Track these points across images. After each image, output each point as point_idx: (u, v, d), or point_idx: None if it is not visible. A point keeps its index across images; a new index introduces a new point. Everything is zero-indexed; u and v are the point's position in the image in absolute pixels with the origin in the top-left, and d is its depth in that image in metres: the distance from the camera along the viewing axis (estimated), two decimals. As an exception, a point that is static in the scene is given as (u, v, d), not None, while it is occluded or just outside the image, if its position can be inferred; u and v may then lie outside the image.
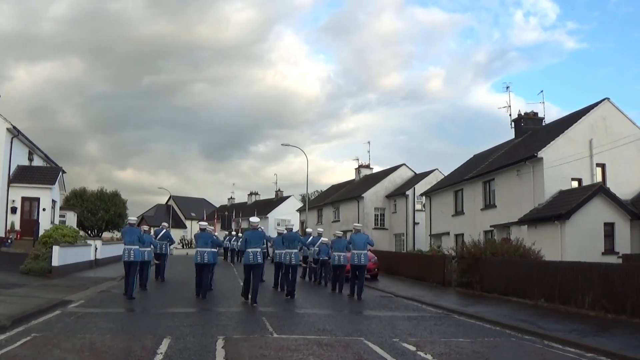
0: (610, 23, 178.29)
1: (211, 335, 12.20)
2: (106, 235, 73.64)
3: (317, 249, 28.26)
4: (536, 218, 31.05)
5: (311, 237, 29.66)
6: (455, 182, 44.88)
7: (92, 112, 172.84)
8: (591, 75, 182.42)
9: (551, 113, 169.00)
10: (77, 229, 36.98)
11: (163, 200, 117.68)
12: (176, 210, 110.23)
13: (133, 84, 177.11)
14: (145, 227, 25.90)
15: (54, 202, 42.71)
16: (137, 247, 20.40)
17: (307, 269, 30.40)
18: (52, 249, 27.07)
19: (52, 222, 39.30)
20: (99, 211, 72.70)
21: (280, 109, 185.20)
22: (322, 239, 28.65)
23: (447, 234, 45.28)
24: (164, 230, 27.80)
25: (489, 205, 39.22)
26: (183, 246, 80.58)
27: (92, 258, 34.42)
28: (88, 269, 31.71)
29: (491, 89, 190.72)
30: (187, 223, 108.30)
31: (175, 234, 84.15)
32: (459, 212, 44.10)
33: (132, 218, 22.89)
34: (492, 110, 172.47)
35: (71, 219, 49.28)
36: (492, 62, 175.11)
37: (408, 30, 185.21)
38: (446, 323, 15.72)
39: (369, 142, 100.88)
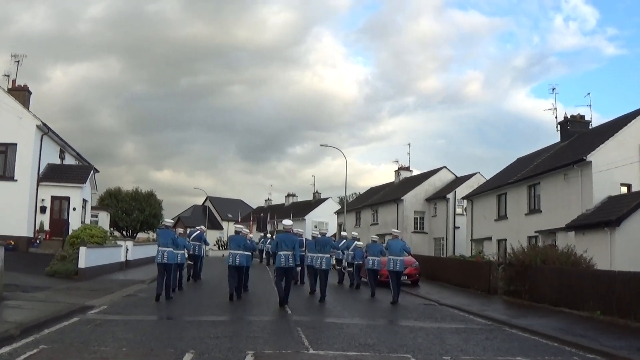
0: None
1: (239, 350, 10.89)
2: (141, 235, 73.54)
3: (352, 252, 28.21)
4: (584, 224, 29.41)
5: (344, 241, 30.09)
6: (498, 185, 43.30)
7: (129, 112, 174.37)
8: (631, 82, 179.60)
9: (591, 119, 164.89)
10: (106, 229, 35.86)
11: (200, 201, 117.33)
12: (212, 211, 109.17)
13: (170, 85, 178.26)
14: (180, 230, 25.19)
15: (84, 201, 41.70)
16: (171, 249, 20.21)
17: (340, 273, 30.28)
18: (79, 250, 26.08)
19: (83, 222, 38.18)
20: (133, 211, 72.76)
21: (318, 111, 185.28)
22: (356, 242, 28.95)
23: (489, 239, 43.80)
24: (197, 231, 27.98)
25: (533, 210, 37.65)
26: (219, 247, 79.56)
27: (123, 259, 33.41)
28: (118, 271, 30.76)
29: (530, 93, 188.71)
30: (224, 224, 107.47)
31: (212, 235, 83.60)
32: (501, 216, 42.51)
33: (168, 220, 23.09)
34: (531, 115, 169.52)
35: (104, 219, 48.39)
36: (531, 66, 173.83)
37: (446, 33, 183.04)
38: (498, 337, 14.21)
39: (409, 144, 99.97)
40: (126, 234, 72.09)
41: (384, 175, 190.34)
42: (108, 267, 29.49)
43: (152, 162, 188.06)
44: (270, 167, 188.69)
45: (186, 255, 24.72)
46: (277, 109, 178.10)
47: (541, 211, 36.13)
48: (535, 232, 35.74)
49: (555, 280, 21.02)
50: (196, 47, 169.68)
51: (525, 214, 38.30)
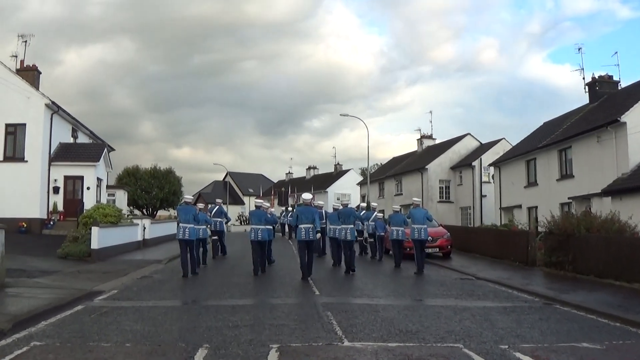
0: None
1: (261, 343, 9.38)
2: (162, 213, 73.08)
3: (373, 223, 27.66)
4: (622, 189, 27.85)
5: (364, 212, 29.78)
6: (527, 151, 41.65)
7: (145, 92, 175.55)
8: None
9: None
10: (121, 208, 34.50)
11: (220, 177, 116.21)
12: (233, 187, 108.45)
13: (184, 64, 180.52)
14: (201, 205, 24.74)
15: (99, 180, 40.49)
16: (192, 225, 20.37)
17: (363, 245, 29.62)
18: (91, 230, 24.93)
19: (98, 202, 36.90)
20: (153, 189, 71.56)
21: (333, 83, 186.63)
22: (376, 213, 28.82)
23: (519, 206, 42.30)
24: (217, 206, 27.69)
25: (565, 175, 36.15)
26: (241, 223, 78.18)
27: (140, 239, 32.39)
28: (134, 251, 29.64)
29: (547, 59, 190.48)
30: (245, 199, 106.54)
31: (233, 210, 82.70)
32: (531, 183, 40.99)
33: (188, 196, 23.44)
34: (548, 81, 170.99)
35: (121, 197, 47.19)
36: (546, 32, 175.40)
37: (458, 0, 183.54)
38: (552, 317, 12.59)
39: (430, 112, 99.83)
40: (146, 212, 71.46)
41: (403, 145, 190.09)
42: (123, 247, 28.45)
43: (170, 140, 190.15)
44: (288, 141, 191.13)
45: (209, 232, 25.06)
46: (292, 83, 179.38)
47: (573, 176, 34.70)
48: (569, 198, 34.13)
49: (602, 250, 19.25)
50: (207, 25, 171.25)
51: (557, 180, 36.81)
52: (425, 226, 22.46)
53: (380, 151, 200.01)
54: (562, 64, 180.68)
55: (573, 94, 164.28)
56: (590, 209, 29.33)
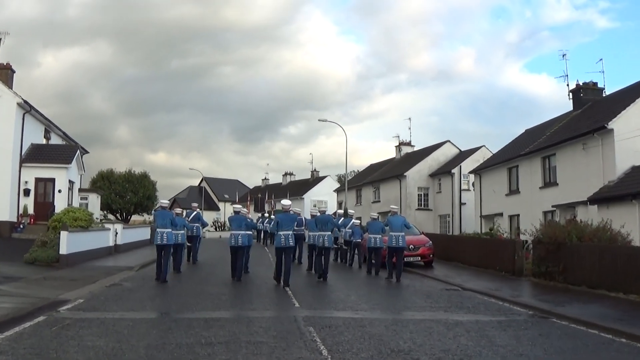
0: None
1: (236, 366, 8.35)
2: (136, 218, 72.43)
3: (350, 230, 27.78)
4: (609, 197, 27.08)
5: (342, 219, 29.28)
6: (509, 158, 40.87)
7: (122, 96, 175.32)
8: (623, 55, 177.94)
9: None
10: (93, 212, 33.47)
11: (196, 182, 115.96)
12: (209, 192, 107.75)
13: (161, 68, 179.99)
14: (178, 210, 24.66)
15: (71, 182, 39.36)
16: (170, 230, 20.39)
17: (339, 251, 29.92)
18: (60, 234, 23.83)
19: (70, 205, 35.83)
20: (127, 193, 70.99)
21: (310, 90, 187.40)
22: (353, 220, 29.01)
23: (500, 214, 41.44)
24: (195, 212, 27.52)
25: (549, 183, 35.40)
26: (216, 229, 77.12)
27: (111, 244, 31.33)
28: (106, 257, 28.61)
29: (523, 68, 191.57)
30: (220, 205, 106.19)
31: (208, 216, 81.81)
32: (513, 191, 40.27)
33: (164, 201, 23.16)
34: (525, 90, 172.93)
35: (94, 201, 46.27)
36: (523, 41, 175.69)
37: (436, 9, 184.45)
38: (553, 333, 11.64)
39: (409, 119, 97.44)
40: (120, 216, 70.82)
41: (380, 152, 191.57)
42: (94, 253, 27.41)
43: (146, 144, 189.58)
44: (264, 148, 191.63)
45: (185, 237, 24.65)
46: (269, 89, 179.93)
47: (557, 184, 33.94)
48: (553, 206, 33.43)
49: (596, 260, 18.44)
50: (186, 29, 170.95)
51: (540, 188, 36.10)
52: (403, 234, 22.38)
53: (356, 158, 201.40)
54: (539, 74, 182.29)
55: (550, 103, 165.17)
56: (575, 217, 28.74)
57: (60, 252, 23.47)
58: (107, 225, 32.42)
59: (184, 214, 26.50)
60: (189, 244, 26.28)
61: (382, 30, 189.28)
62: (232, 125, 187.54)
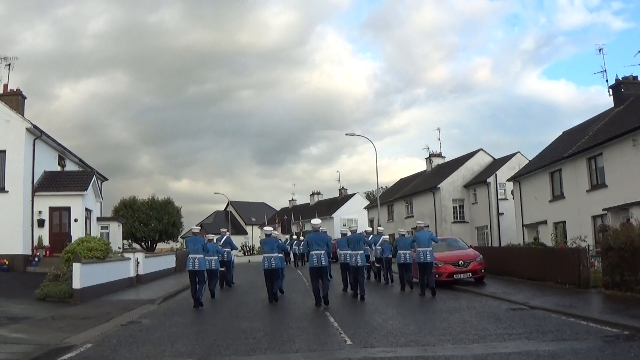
0: None
1: None
2: (162, 246, 70.99)
3: (380, 247, 27.60)
4: (670, 194, 24.66)
5: (371, 236, 28.88)
6: (550, 162, 38.33)
7: (141, 124, 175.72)
8: (635, 59, 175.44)
9: (605, 97, 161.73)
10: (108, 241, 30.99)
11: (221, 207, 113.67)
12: (235, 216, 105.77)
13: (179, 95, 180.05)
14: (210, 236, 24.82)
15: (88, 211, 37.12)
16: (202, 255, 20.29)
17: (371, 270, 29.52)
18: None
19: (88, 234, 33.56)
20: (151, 221, 69.13)
21: (329, 109, 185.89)
22: (383, 237, 28.50)
23: (544, 222, 38.91)
24: (225, 236, 27.84)
25: (596, 185, 32.81)
26: (245, 253, 74.59)
27: (132, 275, 29.19)
28: (126, 289, 26.55)
29: (542, 75, 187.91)
30: (248, 229, 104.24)
31: (236, 240, 79.25)
32: (557, 196, 37.64)
33: (196, 227, 22.72)
34: (544, 98, 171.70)
35: (115, 230, 43.88)
36: (539, 48, 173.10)
37: (449, 21, 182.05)
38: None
39: (438, 129, 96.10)
40: (145, 245, 69.39)
41: (403, 169, 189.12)
42: (113, 286, 25.31)
43: (169, 172, 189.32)
44: (286, 170, 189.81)
45: (219, 262, 24.63)
46: (288, 111, 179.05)
47: (607, 185, 31.38)
48: (603, 209, 30.93)
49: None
50: (200, 55, 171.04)
51: (587, 191, 33.53)
52: (431, 248, 22.09)
53: (380, 175, 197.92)
54: (558, 80, 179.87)
55: (571, 109, 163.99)
56: (629, 220, 26.21)
57: (74, 287, 21.29)
58: (127, 255, 30.29)
59: (215, 239, 25.76)
60: (222, 269, 25.64)
61: (397, 46, 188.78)
62: (253, 149, 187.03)
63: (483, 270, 24.83)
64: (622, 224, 21.87)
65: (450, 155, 66.49)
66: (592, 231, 31.56)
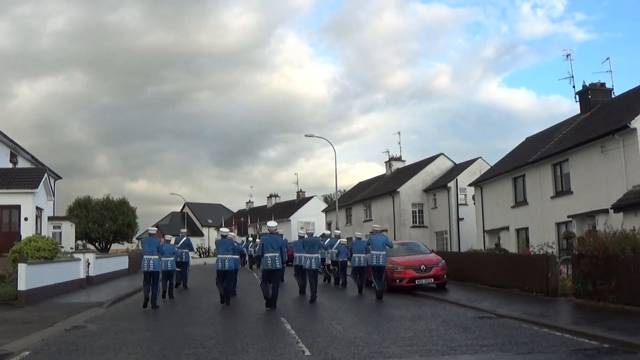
0: (619, 12, 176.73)
1: None
2: (117, 247, 70.22)
3: (337, 250, 28.21)
4: (636, 202, 24.06)
5: (328, 240, 29.89)
6: (514, 167, 37.72)
7: (99, 125, 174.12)
8: (603, 67, 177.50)
9: (564, 106, 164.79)
10: (57, 241, 29.82)
11: (178, 208, 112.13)
12: (192, 218, 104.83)
13: (137, 95, 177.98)
14: (168, 237, 24.81)
15: (39, 210, 35.73)
16: (157, 256, 20.25)
17: (326, 272, 30.14)
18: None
19: (38, 234, 32.31)
20: (106, 221, 68.28)
21: (288, 113, 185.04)
22: (340, 240, 29.35)
23: (506, 228, 38.36)
24: (184, 237, 28.15)
25: (561, 191, 32.27)
26: (200, 255, 73.42)
27: (82, 276, 28.13)
28: (75, 291, 25.59)
29: (502, 83, 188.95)
30: (204, 230, 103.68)
31: (192, 242, 78.37)
32: (520, 202, 37.10)
33: (152, 228, 22.81)
34: (504, 106, 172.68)
35: (68, 230, 42.69)
36: (501, 56, 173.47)
37: (410, 27, 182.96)
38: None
39: (399, 133, 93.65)
40: (99, 245, 68.56)
41: (360, 174, 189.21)
42: (61, 287, 24.34)
43: (126, 173, 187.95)
44: (244, 172, 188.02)
45: (175, 263, 23.75)
46: (246, 113, 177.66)
47: (572, 192, 30.83)
48: (568, 216, 30.24)
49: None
50: (159, 55, 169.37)
51: (551, 197, 32.98)
52: (384, 252, 22.32)
53: (338, 179, 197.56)
54: (518, 88, 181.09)
55: (530, 117, 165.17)
56: (595, 227, 25.69)
57: (19, 288, 20.27)
58: (76, 255, 29.17)
59: (173, 240, 25.38)
60: (178, 269, 25.27)
61: (357, 50, 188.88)
62: (211, 151, 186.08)
63: (446, 276, 24.17)
64: (589, 231, 21.33)
65: (408, 160, 65.63)
66: (556, 238, 31.24)
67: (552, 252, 23.07)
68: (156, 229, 23.24)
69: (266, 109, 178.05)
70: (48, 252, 23.77)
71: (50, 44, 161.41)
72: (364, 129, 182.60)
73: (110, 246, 70.90)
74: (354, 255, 24.60)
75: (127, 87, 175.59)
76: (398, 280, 23.21)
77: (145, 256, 20.07)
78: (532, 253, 23.80)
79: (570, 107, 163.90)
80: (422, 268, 23.35)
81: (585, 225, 28.41)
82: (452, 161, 59.07)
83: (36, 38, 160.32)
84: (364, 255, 23.70)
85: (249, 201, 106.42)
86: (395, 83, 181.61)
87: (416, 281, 23.25)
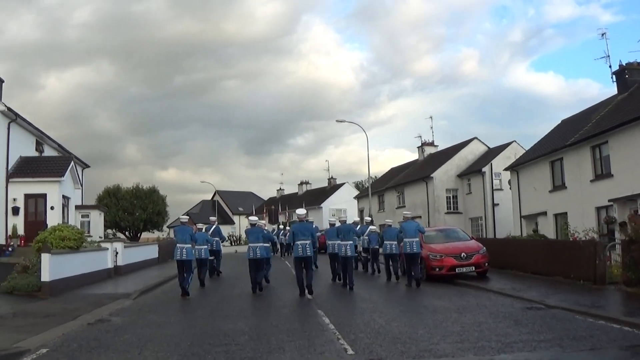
0: None
1: None
2: (147, 235, 69.91)
3: (367, 237, 27.54)
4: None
5: (359, 227, 28.31)
6: (551, 150, 36.64)
7: (128, 114, 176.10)
8: (630, 48, 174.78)
9: (593, 90, 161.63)
10: (83, 230, 29.17)
11: (208, 197, 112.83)
12: (222, 206, 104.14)
13: (165, 85, 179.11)
14: (200, 225, 25.18)
15: (66, 198, 35.25)
16: (189, 245, 20.28)
17: (359, 260, 29.28)
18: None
19: (65, 223, 31.59)
20: (135, 210, 68.10)
21: (316, 100, 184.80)
22: (370, 227, 28.77)
23: (544, 214, 37.32)
24: (214, 225, 28.00)
25: (601, 175, 31.15)
26: (231, 243, 72.51)
27: (110, 266, 27.40)
28: (103, 281, 24.76)
29: (530, 67, 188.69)
30: (235, 218, 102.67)
31: (224, 230, 77.68)
32: (558, 186, 35.97)
33: (184, 217, 22.40)
34: (533, 90, 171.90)
35: (96, 219, 42.10)
36: (528, 40, 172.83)
37: (437, 12, 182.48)
38: None
39: (431, 118, 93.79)
40: (129, 234, 68.34)
41: (390, 160, 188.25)
42: (88, 278, 23.47)
43: (156, 162, 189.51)
44: (273, 160, 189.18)
45: (209, 252, 24.08)
46: (274, 101, 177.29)
47: (612, 175, 29.77)
48: (609, 200, 29.12)
49: None
50: (186, 45, 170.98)
51: (591, 181, 31.86)
52: (417, 239, 22.08)
53: (366, 167, 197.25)
54: (546, 72, 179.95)
55: (559, 102, 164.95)
56: (637, 212, 25.06)
57: (42, 279, 19.43)
58: (104, 245, 28.36)
59: (204, 229, 25.48)
60: (211, 258, 25.67)
61: (384, 36, 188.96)
62: (240, 139, 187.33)
63: (487, 264, 23.19)
64: (632, 216, 20.32)
65: (439, 146, 64.60)
66: (596, 223, 30.31)
67: (595, 237, 22.12)
68: (188, 217, 22.98)
69: (294, 97, 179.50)
70: (73, 241, 22.84)
71: (77, 35, 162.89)
72: (392, 115, 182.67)
73: (140, 235, 70.54)
74: (385, 242, 24.25)
75: (155, 76, 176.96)
76: (437, 269, 22.40)
77: (178, 245, 20.12)
78: (578, 239, 22.83)
79: (599, 91, 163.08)
80: (462, 256, 22.41)
81: (626, 209, 27.49)
82: (486, 145, 58.00)
83: (63, 29, 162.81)
84: (395, 242, 23.53)
85: (280, 189, 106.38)
86: (423, 69, 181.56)
87: (456, 269, 22.34)
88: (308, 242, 19.01)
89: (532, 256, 23.70)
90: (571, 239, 23.88)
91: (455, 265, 22.37)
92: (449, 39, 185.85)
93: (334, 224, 24.23)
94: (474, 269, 22.62)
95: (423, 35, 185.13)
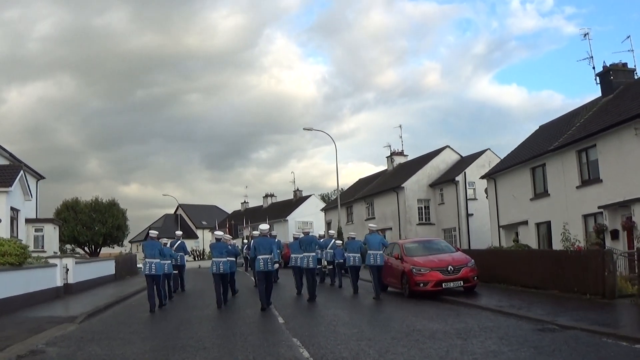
0: (609, 5, 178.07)
1: None
2: (108, 251, 69.01)
3: (331, 251, 28.17)
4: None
5: (322, 240, 29.64)
6: (532, 156, 35.07)
7: (89, 129, 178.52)
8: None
9: (556, 101, 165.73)
10: (26, 245, 26.63)
11: (171, 211, 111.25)
12: (186, 220, 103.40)
13: (126, 99, 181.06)
14: (165, 240, 24.90)
15: (14, 210, 32.71)
16: (158, 260, 20.17)
17: (322, 272, 29.86)
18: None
19: (14, 237, 29.16)
20: (95, 224, 65.99)
21: (278, 114, 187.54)
22: (335, 241, 29.32)
23: (525, 223, 35.68)
24: (179, 241, 27.82)
25: (588, 180, 29.60)
26: (195, 258, 70.74)
27: (59, 284, 25.20)
28: (50, 302, 22.79)
29: (493, 80, 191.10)
30: (199, 232, 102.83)
31: (187, 244, 75.88)
32: (540, 194, 34.40)
33: (153, 232, 21.95)
34: (496, 102, 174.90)
35: (50, 233, 39.82)
36: (491, 52, 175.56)
37: (399, 25, 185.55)
38: None
39: (400, 127, 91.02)
40: (89, 249, 66.42)
41: (353, 174, 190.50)
42: (32, 298, 21.43)
43: (118, 177, 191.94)
44: (236, 174, 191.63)
45: (172, 267, 23.99)
46: (237, 115, 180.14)
47: (601, 180, 28.20)
48: (598, 207, 27.63)
49: None
50: (148, 58, 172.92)
51: (577, 187, 30.32)
52: (381, 252, 22.27)
53: (331, 179, 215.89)
54: (510, 84, 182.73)
55: (522, 114, 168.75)
56: (632, 218, 24.06)
57: (-23, 301, 17.00)
58: (52, 261, 25.89)
59: (169, 243, 25.57)
60: (175, 272, 25.48)
61: (346, 50, 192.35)
62: (203, 153, 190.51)
63: (476, 278, 21.10)
64: (625, 223, 18.56)
65: (408, 156, 63.30)
66: (583, 231, 28.51)
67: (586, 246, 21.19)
68: (157, 232, 22.16)
69: (256, 110, 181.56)
70: (15, 257, 20.91)
71: (38, 48, 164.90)
72: (355, 128, 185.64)
73: (100, 250, 68.54)
74: (348, 254, 24.59)
75: (116, 90, 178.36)
76: (422, 284, 20.38)
77: (147, 259, 19.89)
78: (582, 248, 20.87)
79: (562, 102, 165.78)
80: (449, 269, 20.38)
81: (618, 216, 26.36)
82: (459, 154, 56.71)
83: (24, 42, 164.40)
84: (358, 254, 24.09)
85: (244, 202, 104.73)
86: (385, 82, 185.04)
87: (443, 284, 20.28)
88: (269, 256, 19.11)
89: (526, 268, 21.81)
90: (571, 249, 21.66)
91: (442, 280, 20.28)
92: (411, 52, 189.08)
93: (298, 237, 24.17)
94: (462, 283, 20.60)
95: (385, 48, 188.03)
